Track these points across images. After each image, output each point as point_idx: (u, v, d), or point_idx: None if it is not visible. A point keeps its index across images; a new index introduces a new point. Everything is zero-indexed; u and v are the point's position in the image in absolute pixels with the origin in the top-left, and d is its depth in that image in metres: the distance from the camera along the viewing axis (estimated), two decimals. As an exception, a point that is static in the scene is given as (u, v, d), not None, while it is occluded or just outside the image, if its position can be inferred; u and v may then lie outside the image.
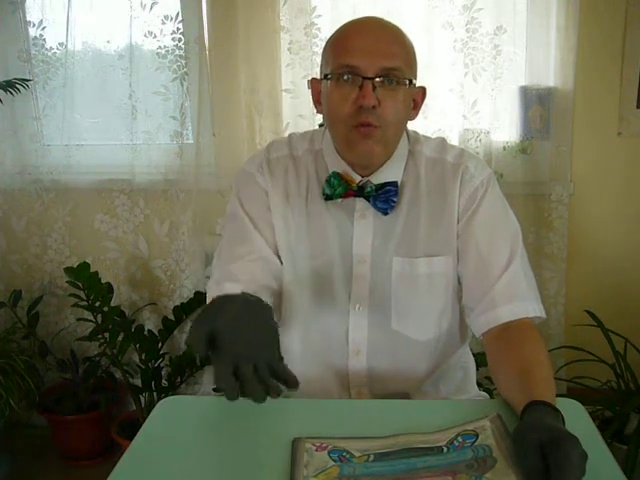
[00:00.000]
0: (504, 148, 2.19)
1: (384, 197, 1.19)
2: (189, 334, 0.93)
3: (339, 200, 1.21)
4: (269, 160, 1.27)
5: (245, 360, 0.89)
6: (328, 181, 1.20)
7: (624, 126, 2.18)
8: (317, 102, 1.23)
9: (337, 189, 1.20)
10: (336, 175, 1.20)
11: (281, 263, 1.25)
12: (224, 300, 0.98)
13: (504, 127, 2.18)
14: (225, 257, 1.24)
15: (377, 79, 1.11)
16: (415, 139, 1.27)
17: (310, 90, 1.25)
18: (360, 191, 1.20)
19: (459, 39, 2.09)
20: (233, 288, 1.13)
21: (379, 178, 1.21)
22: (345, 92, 1.13)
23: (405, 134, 1.25)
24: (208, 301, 1.20)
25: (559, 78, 2.12)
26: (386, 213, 1.20)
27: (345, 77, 1.12)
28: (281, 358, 0.97)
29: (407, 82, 1.14)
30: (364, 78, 1.11)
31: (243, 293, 1.00)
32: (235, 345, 0.91)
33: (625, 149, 2.21)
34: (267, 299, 1.17)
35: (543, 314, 1.17)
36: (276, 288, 1.25)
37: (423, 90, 1.23)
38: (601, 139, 2.21)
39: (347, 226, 1.23)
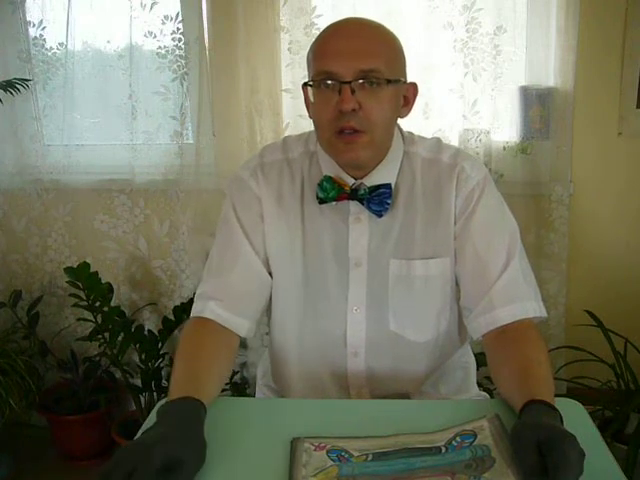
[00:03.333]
0: (504, 148, 2.19)
1: (378, 199, 1.18)
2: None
3: (333, 203, 1.20)
4: (263, 164, 1.26)
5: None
6: (320, 185, 1.19)
7: (624, 126, 2.18)
8: (308, 107, 1.22)
9: (330, 192, 1.19)
10: (328, 179, 1.19)
11: (269, 273, 1.25)
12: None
13: (504, 127, 2.18)
14: (215, 269, 1.24)
15: (356, 82, 1.09)
16: (410, 140, 1.26)
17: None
18: (353, 194, 1.19)
19: (459, 39, 2.09)
20: (217, 307, 1.18)
21: (372, 180, 1.20)
22: (326, 98, 1.11)
23: (400, 135, 1.24)
24: (192, 315, 1.21)
25: (559, 78, 2.12)
26: (380, 215, 1.19)
27: (325, 83, 1.11)
28: None
29: (386, 82, 1.11)
30: (342, 82, 1.09)
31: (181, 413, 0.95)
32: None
33: (625, 149, 2.21)
34: (252, 311, 1.23)
35: (543, 313, 1.17)
36: (264, 297, 1.26)
37: (414, 86, 1.21)
38: (601, 139, 2.21)
39: (342, 229, 1.22)
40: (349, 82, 1.09)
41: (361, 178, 1.20)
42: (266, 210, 1.24)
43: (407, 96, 1.20)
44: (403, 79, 1.17)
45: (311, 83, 1.14)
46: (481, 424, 0.96)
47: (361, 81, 1.09)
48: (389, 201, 1.18)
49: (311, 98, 1.16)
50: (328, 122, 1.12)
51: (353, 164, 1.18)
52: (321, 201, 1.20)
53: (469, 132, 2.15)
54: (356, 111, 1.10)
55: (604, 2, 2.11)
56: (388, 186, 1.19)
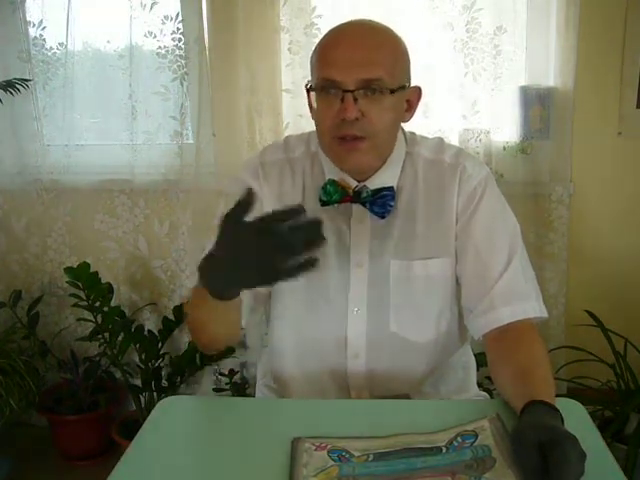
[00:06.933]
0: (504, 148, 2.19)
1: (381, 202, 1.18)
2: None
3: (335, 205, 1.20)
4: (264, 164, 1.26)
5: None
6: (324, 188, 1.19)
7: (624, 126, 2.18)
8: (311, 107, 1.21)
9: (333, 196, 1.19)
10: (332, 182, 1.19)
11: None
12: None
13: (504, 127, 2.18)
14: None
15: (359, 90, 1.09)
16: (412, 140, 1.26)
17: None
18: (356, 196, 1.19)
19: (459, 39, 2.09)
20: None
21: (375, 183, 1.20)
22: (328, 104, 1.11)
23: (402, 136, 1.24)
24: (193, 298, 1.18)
25: (559, 78, 2.12)
26: (383, 217, 1.19)
27: (327, 90, 1.11)
28: None
29: (389, 92, 1.11)
30: (344, 91, 1.09)
31: None
32: None
33: (625, 149, 2.21)
34: (250, 300, 1.20)
35: (544, 313, 1.17)
36: (262, 292, 1.25)
37: (418, 90, 1.21)
38: (601, 139, 2.21)
39: (344, 230, 1.22)
40: (352, 91, 1.09)
41: (364, 181, 1.20)
42: (266, 209, 1.24)
43: (410, 100, 1.19)
44: (407, 84, 1.17)
45: (313, 88, 1.14)
46: (482, 424, 0.95)
47: (363, 90, 1.09)
48: (392, 203, 1.18)
49: (313, 103, 1.16)
50: (329, 128, 1.12)
51: (355, 170, 1.18)
52: (323, 203, 1.20)
53: (469, 132, 2.15)
54: (358, 119, 1.10)
55: (604, 2, 2.11)
56: (391, 189, 1.19)
